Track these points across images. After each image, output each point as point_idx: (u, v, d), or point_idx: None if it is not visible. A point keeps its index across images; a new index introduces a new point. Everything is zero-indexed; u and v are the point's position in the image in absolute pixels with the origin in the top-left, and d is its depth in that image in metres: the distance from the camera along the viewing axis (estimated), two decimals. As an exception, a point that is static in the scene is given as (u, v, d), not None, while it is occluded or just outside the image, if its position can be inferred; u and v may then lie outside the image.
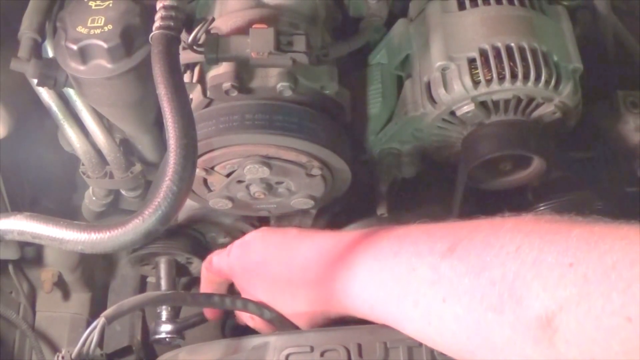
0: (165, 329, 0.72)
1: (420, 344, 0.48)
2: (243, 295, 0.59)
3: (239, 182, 0.61)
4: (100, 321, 0.48)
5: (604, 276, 0.37)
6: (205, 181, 0.63)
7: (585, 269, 0.37)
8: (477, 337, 0.42)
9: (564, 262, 0.38)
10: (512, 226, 0.43)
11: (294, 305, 0.55)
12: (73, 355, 0.47)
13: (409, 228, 0.50)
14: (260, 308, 0.56)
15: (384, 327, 0.50)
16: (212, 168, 0.61)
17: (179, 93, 0.49)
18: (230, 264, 0.60)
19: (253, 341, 0.53)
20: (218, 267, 0.62)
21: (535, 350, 0.39)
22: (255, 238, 0.59)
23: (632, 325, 0.35)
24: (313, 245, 0.55)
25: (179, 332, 0.73)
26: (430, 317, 0.45)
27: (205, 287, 0.65)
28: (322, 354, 0.49)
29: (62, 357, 0.47)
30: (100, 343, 0.49)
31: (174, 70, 0.49)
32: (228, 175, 0.61)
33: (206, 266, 0.64)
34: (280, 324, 0.56)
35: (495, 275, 0.41)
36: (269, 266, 0.57)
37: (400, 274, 0.47)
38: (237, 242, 0.61)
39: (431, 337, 0.46)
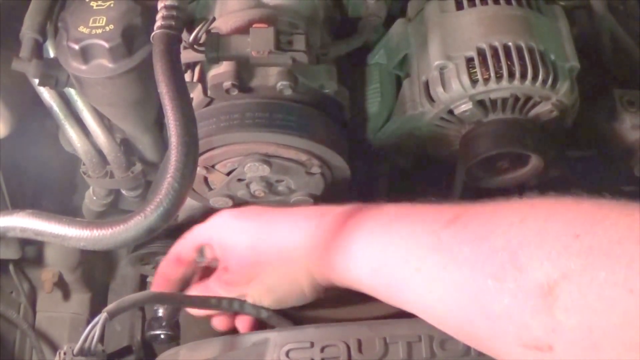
0: (160, 325, 0.72)
1: (420, 339, 0.49)
2: (230, 274, 0.56)
3: (239, 180, 0.62)
4: (102, 316, 0.48)
5: (609, 249, 0.36)
6: (205, 179, 0.63)
7: (590, 241, 0.37)
8: (476, 305, 0.42)
9: (569, 233, 0.38)
10: (518, 200, 0.43)
11: (295, 288, 0.54)
12: (75, 351, 0.48)
13: (409, 205, 0.50)
14: (257, 309, 0.56)
15: (384, 322, 0.50)
16: (213, 166, 0.61)
17: (181, 91, 0.49)
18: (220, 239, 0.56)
19: (253, 337, 0.53)
20: (194, 243, 0.58)
21: (534, 319, 0.39)
22: (229, 225, 0.56)
23: (634, 297, 0.35)
24: (302, 223, 0.53)
25: (174, 329, 0.73)
26: (431, 285, 0.44)
27: (159, 284, 0.60)
28: (322, 350, 0.50)
29: (64, 353, 0.48)
30: (102, 338, 0.49)
31: (176, 69, 0.50)
32: (228, 174, 0.61)
33: (174, 252, 0.59)
34: (278, 322, 0.56)
35: (498, 244, 0.41)
36: (259, 254, 0.55)
37: (402, 239, 0.46)
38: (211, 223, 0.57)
39: (432, 305, 0.45)
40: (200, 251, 0.58)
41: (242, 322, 0.60)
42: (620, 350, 0.36)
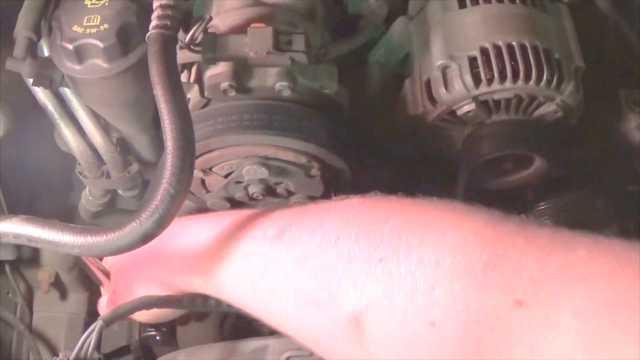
0: (155, 326, 0.72)
1: None
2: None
3: (237, 182, 0.61)
4: (97, 324, 0.47)
5: (408, 274, 0.35)
6: (203, 182, 0.62)
7: (391, 266, 0.36)
8: (303, 331, 0.41)
9: (374, 257, 0.37)
10: (337, 212, 0.42)
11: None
12: (71, 358, 0.47)
13: (247, 210, 0.49)
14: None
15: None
16: (210, 169, 0.60)
17: (176, 93, 0.48)
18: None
19: (252, 344, 0.53)
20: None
21: (352, 349, 0.38)
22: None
23: (436, 331, 0.33)
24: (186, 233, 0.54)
25: (170, 330, 0.73)
26: (265, 307, 0.44)
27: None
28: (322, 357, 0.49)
29: (60, 361, 0.47)
30: (98, 346, 0.49)
31: (171, 71, 0.49)
32: (226, 176, 0.60)
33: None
34: None
35: (315, 267, 0.40)
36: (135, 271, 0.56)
37: (237, 261, 0.46)
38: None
39: (274, 325, 0.45)
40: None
41: None
42: None
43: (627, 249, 0.33)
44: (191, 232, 0.52)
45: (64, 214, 0.79)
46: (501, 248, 0.34)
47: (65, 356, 0.48)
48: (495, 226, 0.36)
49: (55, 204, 0.80)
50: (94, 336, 0.47)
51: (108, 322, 0.48)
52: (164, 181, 0.45)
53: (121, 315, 0.50)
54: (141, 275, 0.56)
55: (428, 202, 0.41)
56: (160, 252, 0.52)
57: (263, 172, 0.58)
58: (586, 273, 0.32)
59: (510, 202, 0.72)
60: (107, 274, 0.64)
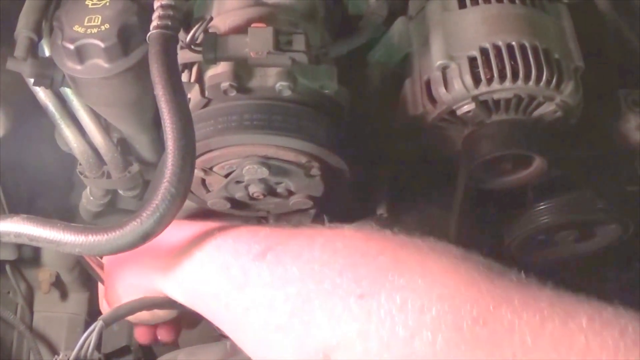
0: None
1: None
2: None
3: (238, 182, 0.61)
4: (97, 324, 0.47)
5: (387, 317, 0.32)
6: (203, 182, 0.62)
7: (371, 304, 0.33)
8: (271, 353, 0.39)
9: (355, 292, 0.35)
10: (327, 240, 0.41)
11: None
12: (71, 358, 0.47)
13: (239, 225, 0.49)
14: None
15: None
16: (211, 169, 0.61)
17: (177, 93, 0.48)
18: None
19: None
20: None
21: None
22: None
23: None
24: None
25: None
26: (237, 323, 0.43)
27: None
28: None
29: (60, 361, 0.47)
30: (98, 346, 0.49)
31: (172, 71, 0.49)
32: (226, 176, 0.60)
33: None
34: None
35: (292, 292, 0.38)
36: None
37: (217, 271, 0.45)
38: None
39: (240, 342, 0.44)
40: None
41: (164, 333, 0.61)
42: None
43: (636, 323, 0.30)
44: (178, 234, 0.51)
45: (64, 214, 0.79)
46: (494, 305, 0.32)
47: (66, 356, 0.48)
48: (491, 280, 0.34)
49: (55, 204, 0.80)
50: (94, 336, 0.47)
51: (108, 323, 0.48)
52: (165, 180, 0.45)
53: (121, 316, 0.50)
54: (123, 274, 0.55)
55: (424, 242, 0.38)
56: (143, 251, 0.52)
57: (263, 172, 0.58)
58: (585, 347, 0.29)
59: (509, 202, 0.73)
60: None
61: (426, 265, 0.35)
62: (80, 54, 0.55)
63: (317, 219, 0.65)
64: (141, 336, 0.63)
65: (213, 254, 0.47)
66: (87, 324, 0.86)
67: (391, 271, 0.35)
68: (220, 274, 0.45)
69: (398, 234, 0.40)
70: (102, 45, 0.54)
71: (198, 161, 0.59)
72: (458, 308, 0.32)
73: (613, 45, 0.74)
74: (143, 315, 0.54)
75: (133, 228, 0.44)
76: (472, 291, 0.33)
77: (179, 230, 0.52)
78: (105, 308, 0.60)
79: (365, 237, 0.40)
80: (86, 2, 0.56)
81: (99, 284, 0.65)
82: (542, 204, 0.71)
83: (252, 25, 0.56)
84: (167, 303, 0.50)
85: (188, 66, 0.62)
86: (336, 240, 0.40)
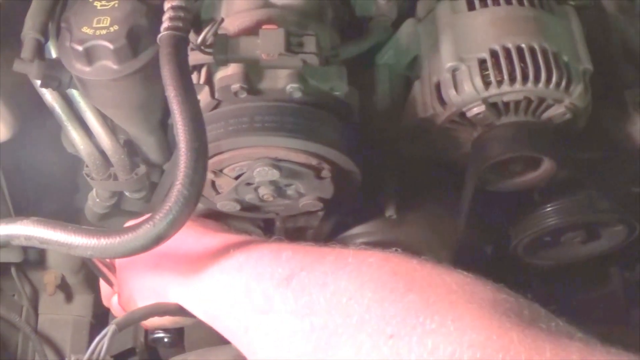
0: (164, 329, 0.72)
1: None
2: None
3: (248, 184, 0.61)
4: (110, 328, 0.47)
5: None
6: (213, 184, 0.62)
7: (401, 346, 0.33)
8: None
9: (385, 331, 0.34)
10: (354, 268, 0.40)
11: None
12: (82, 362, 0.47)
13: (261, 244, 0.48)
14: None
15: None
16: (221, 171, 0.60)
17: (189, 95, 0.48)
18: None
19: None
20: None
21: None
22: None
23: None
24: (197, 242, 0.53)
25: (177, 332, 0.72)
26: (255, 348, 0.42)
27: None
28: None
29: (72, 365, 0.47)
30: (110, 350, 0.48)
31: (184, 72, 0.49)
32: (237, 178, 0.60)
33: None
34: None
35: (319, 324, 0.38)
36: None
37: (238, 294, 0.45)
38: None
39: None
40: None
41: None
42: None
43: None
44: (198, 245, 0.51)
45: (70, 217, 0.79)
46: (526, 355, 0.31)
47: (77, 359, 0.47)
48: (522, 329, 0.33)
49: (61, 206, 0.79)
50: (106, 341, 0.47)
51: (121, 327, 0.47)
52: (178, 183, 0.45)
53: (136, 321, 0.50)
54: (139, 276, 0.55)
55: (452, 278, 0.38)
56: (163, 256, 0.52)
57: (274, 174, 0.58)
58: None
59: (516, 204, 0.73)
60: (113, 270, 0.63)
61: (457, 309, 0.35)
62: (89, 56, 0.55)
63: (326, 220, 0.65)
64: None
65: (234, 275, 0.46)
66: (93, 326, 0.86)
67: (422, 314, 0.35)
68: (242, 297, 0.45)
69: (425, 265, 0.39)
70: (111, 46, 0.54)
71: (208, 163, 0.58)
72: (490, 357, 0.32)
73: (619, 47, 0.74)
74: (161, 320, 0.54)
75: (146, 231, 0.44)
76: (504, 340, 0.32)
77: (199, 241, 0.51)
78: (115, 307, 0.60)
79: (393, 269, 0.39)
80: (95, 4, 0.56)
81: (101, 282, 0.64)
82: (548, 205, 0.71)
83: (263, 26, 0.55)
84: (182, 311, 0.50)
85: (197, 68, 0.61)
86: (363, 270, 0.40)
